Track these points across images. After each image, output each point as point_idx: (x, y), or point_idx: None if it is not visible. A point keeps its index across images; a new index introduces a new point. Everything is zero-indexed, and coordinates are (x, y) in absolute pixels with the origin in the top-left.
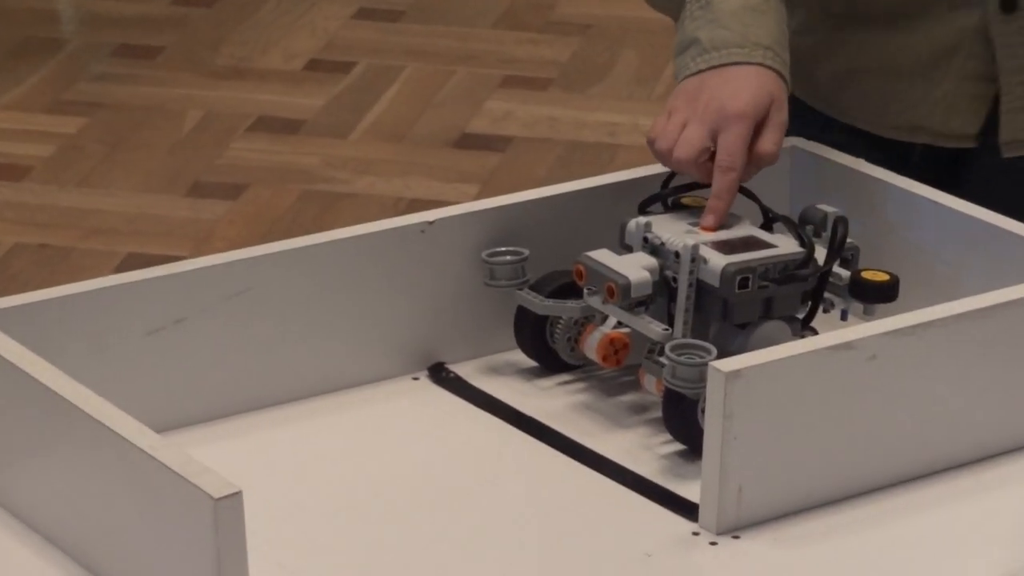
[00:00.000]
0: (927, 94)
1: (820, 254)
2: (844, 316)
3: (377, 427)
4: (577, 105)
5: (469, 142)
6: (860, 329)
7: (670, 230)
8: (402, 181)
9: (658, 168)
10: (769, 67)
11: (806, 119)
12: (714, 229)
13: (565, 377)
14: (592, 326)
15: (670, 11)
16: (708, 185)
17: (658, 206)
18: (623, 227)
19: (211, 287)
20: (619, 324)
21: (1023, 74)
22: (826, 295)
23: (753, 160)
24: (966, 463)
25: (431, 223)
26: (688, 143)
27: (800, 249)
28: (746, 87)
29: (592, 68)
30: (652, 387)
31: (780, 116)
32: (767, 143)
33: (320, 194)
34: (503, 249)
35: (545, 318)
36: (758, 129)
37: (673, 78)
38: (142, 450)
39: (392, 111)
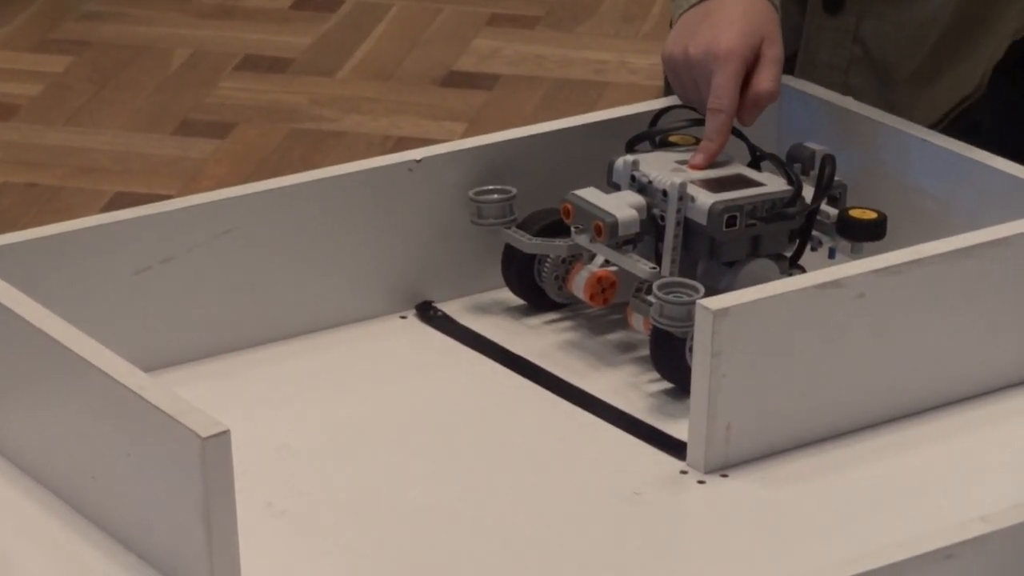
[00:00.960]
0: None
1: (808, 192)
2: (832, 254)
3: (365, 366)
4: (564, 43)
5: (456, 80)
6: (848, 267)
7: (658, 168)
8: (389, 120)
9: (646, 106)
10: None
11: None
12: (702, 168)
13: (553, 316)
14: (580, 265)
15: None
16: (699, 124)
17: (646, 144)
18: (611, 165)
19: (198, 226)
20: (607, 263)
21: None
22: (814, 233)
23: (752, 99)
24: (954, 401)
25: (418, 161)
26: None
27: (788, 187)
28: (733, 24)
29: (579, 6)
30: (640, 325)
31: (774, 50)
32: (763, 80)
33: (308, 133)
34: (490, 188)
35: (533, 257)
36: (753, 67)
37: (660, 16)
38: (129, 389)
39: (379, 50)
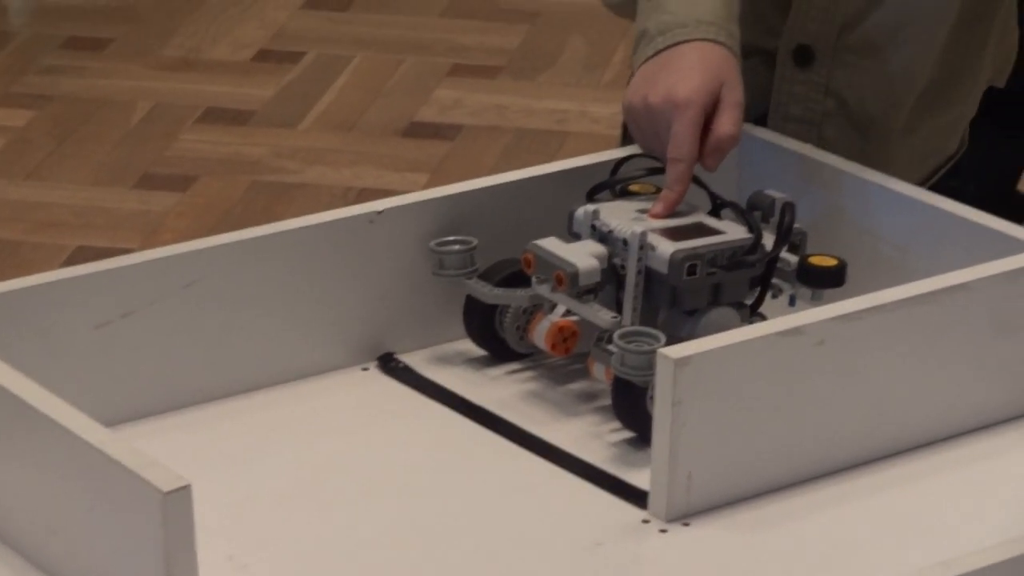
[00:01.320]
0: None
1: (768, 240)
2: (792, 302)
3: (327, 418)
4: (526, 92)
5: (418, 131)
6: (808, 314)
7: (618, 217)
8: (351, 171)
9: (606, 155)
10: (714, 41)
11: None
12: (663, 217)
13: (514, 366)
14: (541, 314)
15: (628, 14)
16: (659, 172)
17: (606, 194)
18: (571, 215)
19: (159, 280)
20: (568, 312)
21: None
22: (774, 281)
23: (713, 144)
24: (916, 447)
25: (380, 213)
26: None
27: (748, 235)
28: (691, 72)
29: (540, 55)
30: (601, 375)
31: (733, 95)
32: (724, 125)
33: (270, 185)
34: (452, 238)
35: (494, 307)
36: (713, 112)
37: (621, 65)
38: (90, 444)
39: (341, 101)
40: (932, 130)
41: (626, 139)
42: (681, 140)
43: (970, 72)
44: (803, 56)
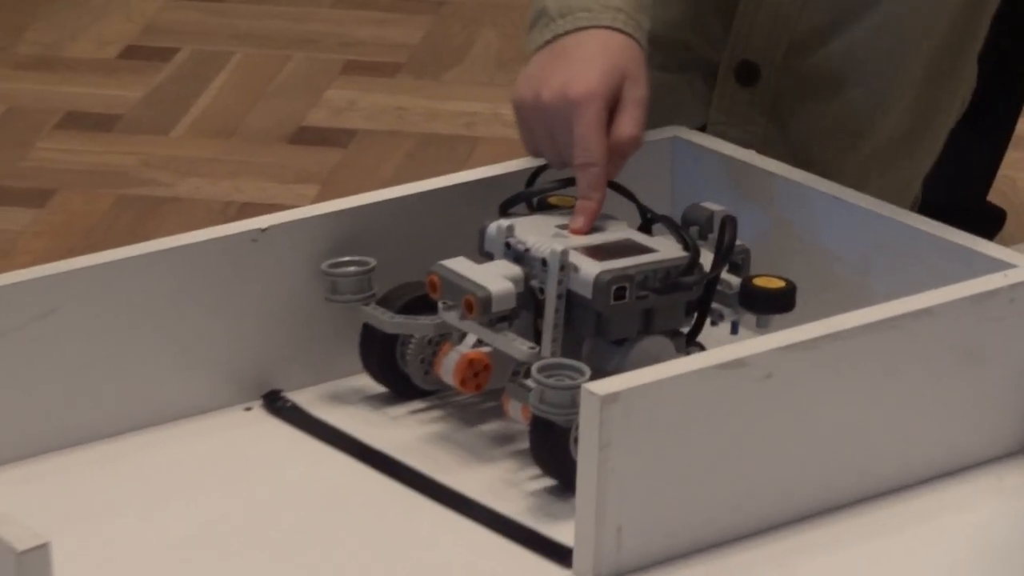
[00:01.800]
0: None
1: (707, 259)
2: (735, 329)
3: (205, 465)
4: (429, 93)
5: (307, 137)
6: (753, 344)
7: (535, 234)
8: (232, 183)
9: (522, 163)
10: (619, 30)
11: None
12: (585, 232)
13: (419, 404)
14: (448, 345)
15: None
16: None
17: (522, 207)
18: (482, 232)
19: (14, 308)
20: (479, 343)
21: None
22: (714, 305)
23: (612, 148)
24: (875, 496)
25: (264, 230)
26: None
27: (683, 253)
28: (590, 63)
29: (446, 50)
30: (518, 414)
31: (636, 91)
32: (624, 126)
33: (139, 199)
34: (346, 259)
35: (395, 337)
36: (614, 111)
37: None
38: None
39: (219, 103)
40: (885, 187)
41: None
42: (587, 142)
43: (940, 123)
44: (746, 73)
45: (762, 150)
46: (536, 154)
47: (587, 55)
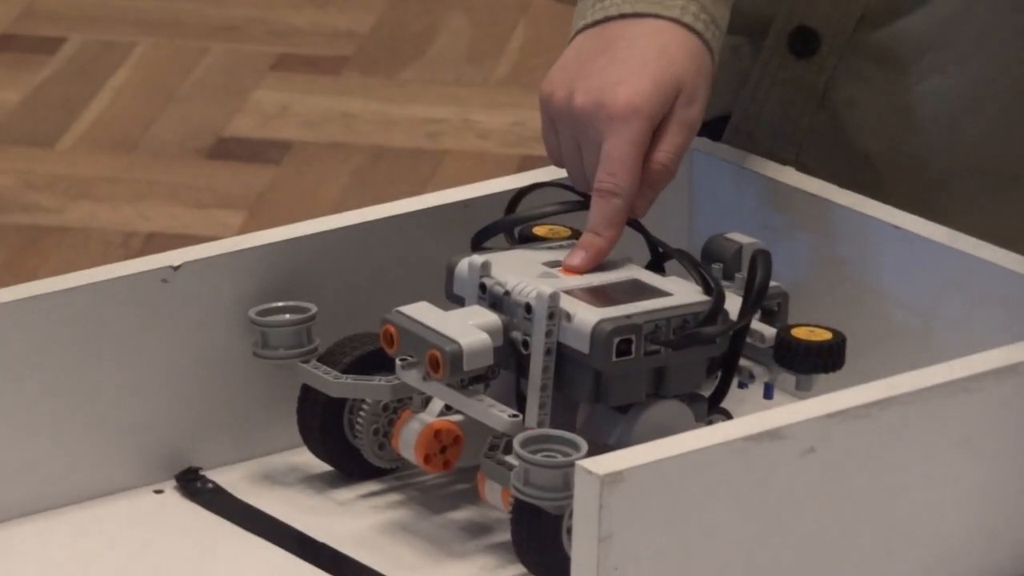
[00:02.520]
0: None
1: (733, 305)
2: (768, 393)
3: (103, 563)
4: (383, 94)
5: (229, 150)
6: (791, 411)
7: (518, 273)
8: (134, 208)
9: (500, 183)
10: (688, 26)
11: None
12: (583, 272)
13: (372, 486)
14: (408, 413)
15: None
16: (581, 207)
17: (501, 239)
18: (450, 270)
19: None
20: (447, 409)
21: None
22: (742, 363)
23: (642, 177)
24: None
25: (176, 268)
26: (552, 151)
27: (704, 297)
28: (641, 67)
29: (403, 41)
30: (497, 499)
31: (688, 112)
32: (659, 151)
33: (16, 229)
34: (280, 305)
35: (342, 403)
36: (656, 130)
37: (520, 53)
38: None
39: (118, 108)
40: (986, 223)
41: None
42: (615, 165)
43: None
44: (803, 42)
45: (804, 143)
46: (559, 163)
47: (640, 55)
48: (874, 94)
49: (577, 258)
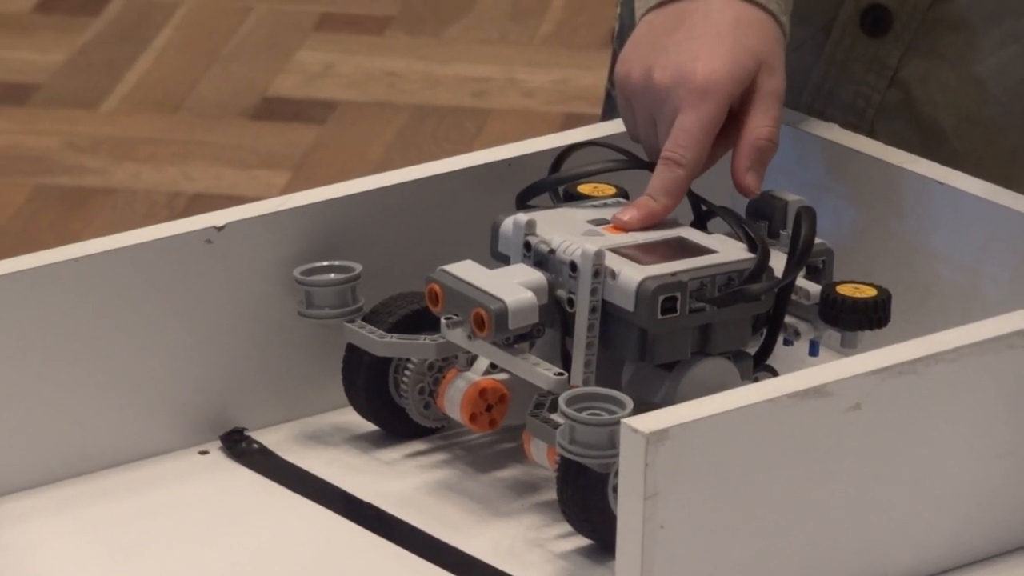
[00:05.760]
0: None
1: (778, 262)
2: (814, 349)
3: (150, 525)
4: (427, 54)
5: (274, 111)
6: (837, 367)
7: (563, 231)
8: (178, 169)
9: (545, 141)
10: (759, 5)
11: None
12: (629, 229)
13: (418, 446)
14: (454, 372)
15: None
16: (631, 166)
17: (546, 197)
18: (495, 228)
19: None
20: (493, 368)
21: None
22: (788, 320)
23: (749, 151)
24: (990, 557)
25: (221, 229)
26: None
27: (749, 255)
28: (719, 42)
29: (448, 0)
30: (542, 457)
31: (773, 82)
32: (761, 126)
33: (61, 189)
34: (324, 264)
35: (387, 362)
36: (741, 105)
37: (564, 11)
38: None
39: (162, 69)
40: None
41: (607, 113)
42: (686, 136)
43: None
44: (876, 20)
45: (876, 119)
46: (637, 139)
47: (715, 29)
48: (947, 68)
49: (628, 214)
